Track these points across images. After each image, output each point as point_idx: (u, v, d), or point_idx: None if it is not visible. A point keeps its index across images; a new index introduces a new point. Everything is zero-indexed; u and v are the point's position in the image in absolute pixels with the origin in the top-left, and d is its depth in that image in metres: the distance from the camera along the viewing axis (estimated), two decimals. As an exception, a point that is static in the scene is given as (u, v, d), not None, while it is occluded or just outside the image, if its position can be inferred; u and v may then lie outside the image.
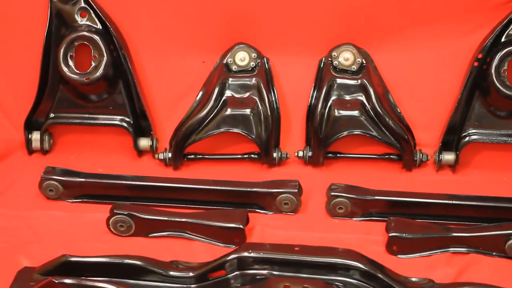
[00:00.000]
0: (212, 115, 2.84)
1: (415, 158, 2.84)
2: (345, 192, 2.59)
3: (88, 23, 2.86)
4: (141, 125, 2.96)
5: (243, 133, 2.81)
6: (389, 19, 2.83)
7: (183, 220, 2.48)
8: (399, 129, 2.80)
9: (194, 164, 2.93)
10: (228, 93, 2.86)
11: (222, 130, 2.83)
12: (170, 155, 2.87)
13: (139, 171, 2.81)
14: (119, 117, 2.93)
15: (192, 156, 2.91)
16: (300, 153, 2.88)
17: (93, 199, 2.70)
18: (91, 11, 2.85)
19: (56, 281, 2.10)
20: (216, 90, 2.84)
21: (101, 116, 2.93)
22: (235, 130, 2.82)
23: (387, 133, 2.81)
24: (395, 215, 2.52)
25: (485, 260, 2.38)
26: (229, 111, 2.83)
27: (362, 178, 2.77)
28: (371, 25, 2.85)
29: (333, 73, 2.85)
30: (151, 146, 2.94)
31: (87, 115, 2.93)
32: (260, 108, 2.82)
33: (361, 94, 2.83)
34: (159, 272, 2.22)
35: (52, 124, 2.96)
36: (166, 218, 2.48)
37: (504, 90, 2.71)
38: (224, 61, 2.89)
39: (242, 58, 2.88)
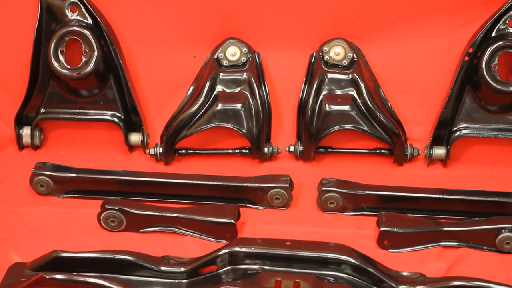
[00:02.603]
0: (203, 110, 2.84)
1: (406, 153, 2.85)
2: (336, 186, 2.59)
3: (78, 18, 2.85)
4: (132, 120, 2.95)
5: (234, 128, 2.81)
6: (380, 14, 2.83)
7: (175, 215, 2.48)
8: (390, 124, 2.81)
9: (185, 159, 2.93)
10: (219, 88, 2.85)
11: (213, 125, 2.82)
12: (161, 150, 2.87)
13: (130, 166, 2.81)
14: (110, 112, 2.92)
15: (183, 151, 2.91)
16: (291, 148, 2.88)
17: (84, 194, 2.69)
18: (82, 6, 2.84)
19: (48, 277, 2.10)
20: (207, 85, 2.84)
21: (92, 111, 2.92)
22: (226, 125, 2.82)
23: (378, 127, 2.81)
24: (386, 210, 2.52)
25: (476, 254, 2.39)
26: (220, 106, 2.82)
27: (353, 172, 2.77)
28: (362, 20, 2.85)
29: (324, 67, 2.85)
30: (142, 141, 2.93)
31: (78, 110, 2.92)
32: (251, 103, 2.82)
33: (352, 88, 2.83)
34: (150, 267, 2.22)
35: (43, 120, 2.95)
36: (157, 213, 2.48)
37: (494, 84, 2.71)
38: (215, 56, 2.88)
39: (233, 53, 2.88)
